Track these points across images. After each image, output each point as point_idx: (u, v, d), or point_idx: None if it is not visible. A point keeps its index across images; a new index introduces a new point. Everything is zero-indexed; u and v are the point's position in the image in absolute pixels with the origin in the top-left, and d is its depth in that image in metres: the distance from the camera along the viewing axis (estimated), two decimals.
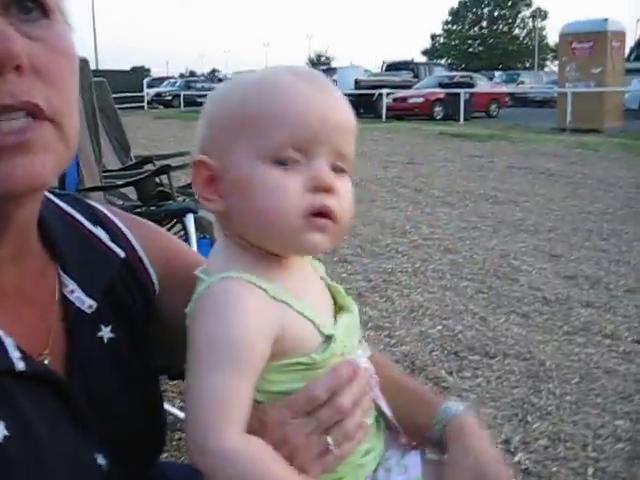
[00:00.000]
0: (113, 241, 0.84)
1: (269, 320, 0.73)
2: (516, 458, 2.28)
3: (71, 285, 0.77)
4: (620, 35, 16.65)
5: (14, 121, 0.59)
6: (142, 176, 3.50)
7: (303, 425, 0.75)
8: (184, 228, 2.88)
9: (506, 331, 3.47)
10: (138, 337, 0.84)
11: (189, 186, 5.08)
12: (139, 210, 2.49)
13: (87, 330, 0.77)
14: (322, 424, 0.76)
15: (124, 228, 0.88)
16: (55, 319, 0.76)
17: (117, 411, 0.78)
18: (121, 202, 3.42)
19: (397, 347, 3.26)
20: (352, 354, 0.81)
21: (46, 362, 0.72)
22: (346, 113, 0.78)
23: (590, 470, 2.20)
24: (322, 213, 0.75)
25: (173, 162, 4.64)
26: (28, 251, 0.75)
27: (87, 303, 0.77)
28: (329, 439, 0.76)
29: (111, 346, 0.79)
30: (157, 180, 4.26)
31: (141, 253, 0.88)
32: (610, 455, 2.29)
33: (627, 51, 20.98)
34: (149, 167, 4.39)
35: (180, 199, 3.70)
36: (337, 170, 0.77)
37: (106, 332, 0.80)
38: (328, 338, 0.77)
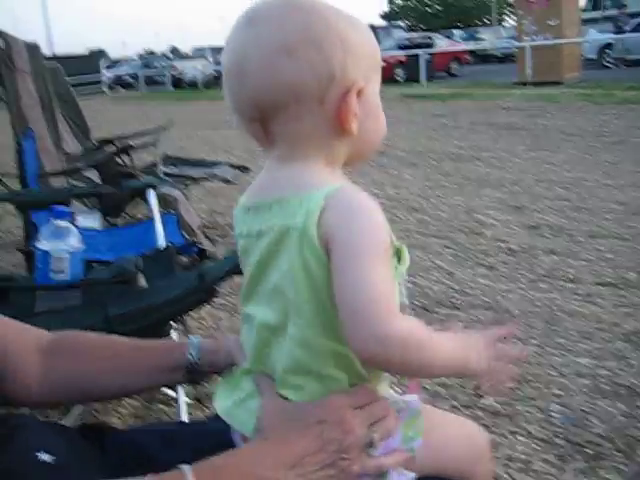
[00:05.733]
0: None
1: None
2: (486, 402, 2.37)
3: None
4: None
5: None
6: (103, 157, 3.52)
7: (358, 414, 0.83)
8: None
9: (472, 283, 3.56)
10: None
11: (154, 165, 5.09)
12: (101, 190, 2.52)
13: None
14: (371, 417, 0.84)
15: None
16: None
17: None
18: (83, 185, 3.43)
19: None
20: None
21: None
22: None
23: (554, 406, 2.31)
24: None
25: (135, 142, 4.64)
26: None
27: None
28: (375, 434, 0.84)
29: None
30: (121, 161, 4.27)
31: None
32: (573, 391, 2.40)
33: (582, 2, 21.09)
34: (111, 149, 4.39)
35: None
36: None
37: None
38: (398, 250, 0.86)
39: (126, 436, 1.02)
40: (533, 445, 2.10)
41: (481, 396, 2.40)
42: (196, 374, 1.04)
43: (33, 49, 3.67)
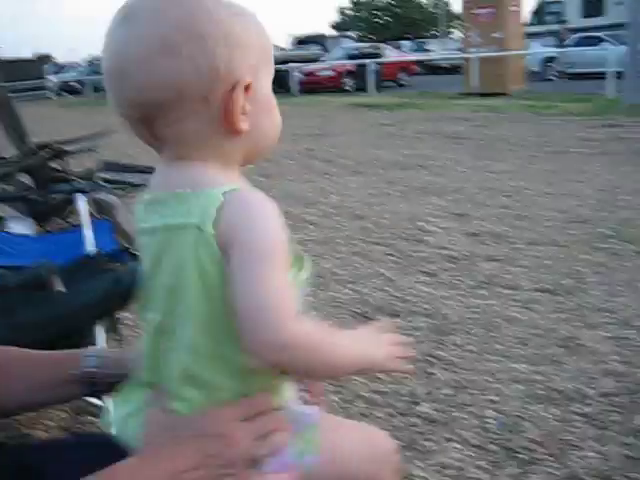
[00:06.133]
0: None
1: None
2: (421, 408, 2.36)
3: None
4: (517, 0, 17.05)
5: None
6: (36, 162, 3.42)
7: (244, 427, 0.79)
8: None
9: (413, 290, 3.56)
10: None
11: (91, 171, 4.97)
12: (28, 195, 2.43)
13: None
14: (260, 430, 0.80)
15: None
16: None
17: None
18: (13, 189, 3.32)
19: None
20: None
21: None
22: None
23: (489, 412, 2.30)
24: None
25: (72, 147, 4.53)
26: None
27: None
28: (263, 449, 0.81)
29: None
30: (56, 167, 4.16)
31: None
32: (508, 397, 2.40)
33: (525, 16, 21.55)
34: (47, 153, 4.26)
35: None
36: None
37: None
38: (300, 259, 0.83)
39: (16, 451, 0.97)
40: (467, 452, 2.09)
41: (417, 403, 2.39)
42: (97, 386, 0.98)
43: None
